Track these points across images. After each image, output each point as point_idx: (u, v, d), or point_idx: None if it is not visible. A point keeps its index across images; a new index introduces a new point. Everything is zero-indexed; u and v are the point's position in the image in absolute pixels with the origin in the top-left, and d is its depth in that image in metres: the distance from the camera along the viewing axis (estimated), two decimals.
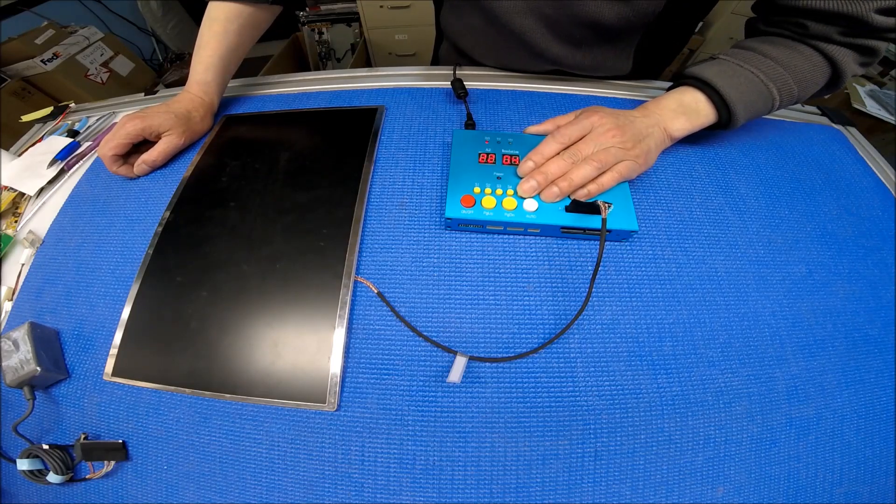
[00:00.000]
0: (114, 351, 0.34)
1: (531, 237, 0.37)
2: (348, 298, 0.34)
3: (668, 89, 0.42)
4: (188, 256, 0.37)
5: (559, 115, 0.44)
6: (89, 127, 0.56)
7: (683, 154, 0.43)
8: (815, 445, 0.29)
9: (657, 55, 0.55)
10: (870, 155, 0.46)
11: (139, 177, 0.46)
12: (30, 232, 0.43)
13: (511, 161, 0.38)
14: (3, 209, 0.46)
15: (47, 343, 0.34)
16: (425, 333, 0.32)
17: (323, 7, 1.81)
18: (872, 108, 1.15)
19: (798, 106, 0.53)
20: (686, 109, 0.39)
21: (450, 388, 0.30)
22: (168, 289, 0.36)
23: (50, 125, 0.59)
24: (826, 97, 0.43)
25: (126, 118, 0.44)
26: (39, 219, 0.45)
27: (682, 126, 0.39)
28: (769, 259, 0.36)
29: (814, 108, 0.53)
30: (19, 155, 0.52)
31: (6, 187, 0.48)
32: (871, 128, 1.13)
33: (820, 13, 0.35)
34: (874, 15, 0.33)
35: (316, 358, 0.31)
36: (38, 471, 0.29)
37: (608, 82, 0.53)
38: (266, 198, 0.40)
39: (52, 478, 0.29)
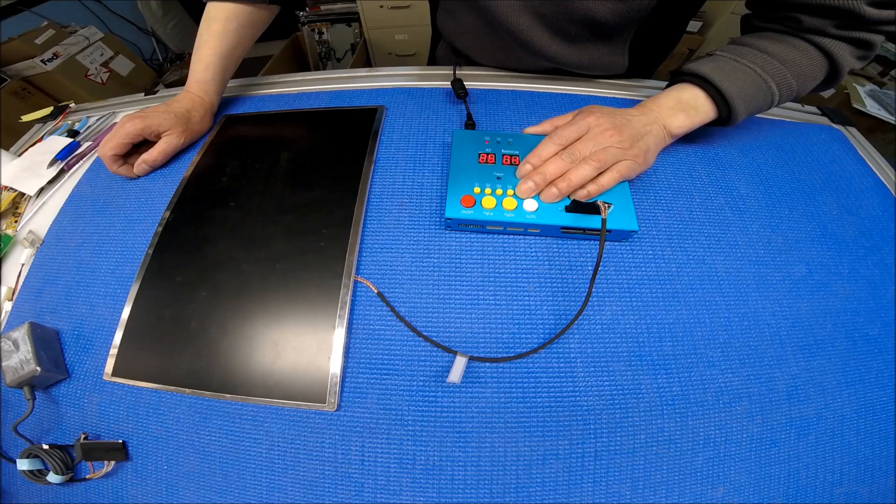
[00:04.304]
0: (114, 351, 0.34)
1: (531, 237, 0.37)
2: (348, 298, 0.34)
3: (666, 87, 0.42)
4: (188, 256, 0.37)
5: (559, 115, 0.43)
6: (89, 127, 0.56)
7: (683, 154, 0.43)
8: (815, 445, 0.29)
9: (651, 52, 0.56)
10: (870, 155, 0.46)
11: (139, 177, 0.46)
12: (30, 232, 0.43)
13: (511, 161, 0.38)
14: (3, 209, 0.46)
15: (47, 343, 0.34)
16: (425, 333, 0.32)
17: (323, 7, 1.81)
18: (872, 108, 1.14)
19: (798, 106, 0.53)
20: (685, 106, 0.39)
21: (450, 388, 0.30)
22: (168, 289, 0.36)
23: (50, 125, 0.59)
24: (826, 97, 0.43)
25: (126, 118, 0.44)
26: (39, 219, 0.45)
27: (681, 123, 0.39)
28: (769, 259, 0.36)
29: (814, 108, 0.53)
30: (19, 155, 0.52)
31: (6, 187, 0.48)
32: (871, 128, 1.13)
33: (813, 7, 0.35)
34: (866, 7, 0.33)
35: (316, 358, 0.31)
36: (38, 471, 0.29)
37: (607, 82, 0.53)
38: (266, 198, 0.40)
39: (52, 478, 0.29)
